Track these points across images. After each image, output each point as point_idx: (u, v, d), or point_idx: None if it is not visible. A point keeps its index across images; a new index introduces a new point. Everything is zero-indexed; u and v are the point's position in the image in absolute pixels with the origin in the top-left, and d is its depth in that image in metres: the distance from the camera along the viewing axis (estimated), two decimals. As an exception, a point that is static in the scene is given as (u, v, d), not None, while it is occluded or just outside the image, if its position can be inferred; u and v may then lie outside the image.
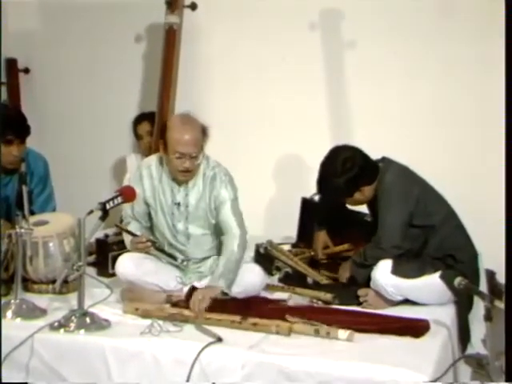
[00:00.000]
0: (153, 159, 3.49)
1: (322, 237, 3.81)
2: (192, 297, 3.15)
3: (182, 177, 3.34)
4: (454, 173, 4.21)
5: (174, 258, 3.40)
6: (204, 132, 3.31)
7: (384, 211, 3.34)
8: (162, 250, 3.40)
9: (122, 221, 3.62)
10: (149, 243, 3.32)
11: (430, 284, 3.18)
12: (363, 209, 3.82)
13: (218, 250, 3.49)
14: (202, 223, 3.43)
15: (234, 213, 3.36)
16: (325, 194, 3.53)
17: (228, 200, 3.36)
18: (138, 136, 4.78)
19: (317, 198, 4.04)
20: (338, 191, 3.38)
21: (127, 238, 3.44)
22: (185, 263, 3.42)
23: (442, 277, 3.15)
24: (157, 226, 3.47)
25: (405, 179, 3.35)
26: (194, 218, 3.41)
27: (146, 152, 4.48)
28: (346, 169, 3.31)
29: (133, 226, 3.45)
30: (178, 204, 3.40)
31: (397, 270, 3.18)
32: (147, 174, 3.43)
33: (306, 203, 4.12)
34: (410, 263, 3.24)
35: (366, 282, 3.29)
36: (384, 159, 3.43)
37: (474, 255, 3.34)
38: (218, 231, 3.48)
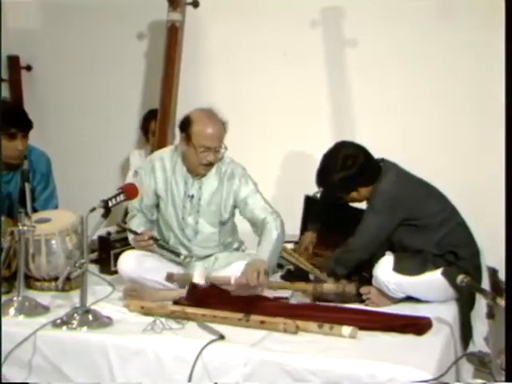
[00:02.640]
0: (165, 151, 3.53)
1: (309, 237, 3.79)
2: (245, 270, 3.14)
3: (203, 170, 3.36)
4: (454, 170, 4.21)
5: (176, 254, 3.40)
6: (224, 126, 3.34)
7: (366, 213, 3.36)
8: (164, 247, 3.41)
9: (126, 213, 3.63)
10: (151, 241, 3.32)
11: (432, 281, 3.18)
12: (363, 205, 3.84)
13: (223, 247, 3.50)
14: (213, 219, 3.44)
15: (265, 202, 3.41)
16: (321, 187, 3.50)
17: (253, 193, 3.41)
18: (149, 131, 4.75)
19: (319, 195, 4.04)
20: (334, 187, 3.38)
21: (131, 235, 3.45)
22: (187, 259, 3.42)
23: (444, 274, 3.15)
24: (165, 218, 3.47)
25: (399, 186, 3.30)
26: (205, 212, 3.42)
27: (154, 149, 4.46)
28: (345, 166, 3.30)
29: (137, 220, 3.46)
30: (191, 196, 3.41)
31: (398, 268, 3.19)
32: (160, 166, 3.45)
33: (309, 201, 4.11)
34: (411, 260, 3.23)
35: (368, 280, 3.30)
36: (383, 161, 3.41)
37: (475, 252, 3.34)
38: (226, 230, 3.50)
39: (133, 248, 3.54)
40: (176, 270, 3.43)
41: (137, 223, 3.45)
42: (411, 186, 3.35)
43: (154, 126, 4.65)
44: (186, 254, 3.45)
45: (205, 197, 3.41)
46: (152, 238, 3.34)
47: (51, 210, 3.82)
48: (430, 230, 3.29)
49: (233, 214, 3.52)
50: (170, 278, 3.27)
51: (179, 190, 3.42)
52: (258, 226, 3.39)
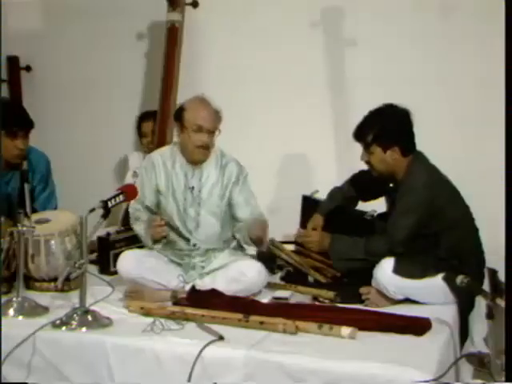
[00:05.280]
0: (164, 149, 3.60)
1: (318, 219, 3.69)
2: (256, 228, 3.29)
3: (199, 154, 3.41)
4: (454, 172, 4.20)
5: (186, 238, 3.42)
6: (218, 113, 3.41)
7: (400, 211, 3.28)
8: (174, 229, 3.40)
9: (127, 214, 3.65)
10: (165, 227, 3.34)
11: (432, 285, 3.16)
12: (364, 207, 3.83)
13: (223, 243, 3.52)
14: (214, 209, 3.46)
15: (255, 205, 3.49)
16: (360, 138, 3.37)
17: (241, 181, 3.47)
18: (141, 133, 4.77)
19: (317, 195, 4.03)
20: (375, 135, 3.30)
21: (139, 227, 3.47)
22: (197, 245, 3.43)
23: (446, 279, 3.13)
24: (166, 213, 3.48)
25: (431, 185, 3.27)
26: (206, 203, 3.45)
27: (148, 150, 4.48)
28: (391, 116, 3.33)
29: (143, 219, 3.46)
30: (192, 188, 3.44)
31: (399, 270, 3.17)
32: (160, 162, 3.50)
33: (307, 200, 4.11)
34: (413, 264, 3.20)
35: (368, 280, 3.29)
36: (420, 153, 3.39)
37: (481, 261, 3.30)
38: (226, 224, 3.51)
39: (132, 248, 3.56)
40: (176, 271, 3.43)
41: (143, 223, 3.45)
42: (438, 187, 3.29)
43: (147, 128, 4.66)
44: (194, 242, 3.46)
45: (205, 188, 3.45)
46: (165, 220, 3.36)
47: (50, 210, 3.83)
48: (442, 234, 3.25)
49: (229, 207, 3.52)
50: (174, 296, 3.27)
51: (179, 183, 3.46)
52: (241, 225, 3.46)
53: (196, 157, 3.42)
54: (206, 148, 3.39)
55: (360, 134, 3.38)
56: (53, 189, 3.96)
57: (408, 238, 3.25)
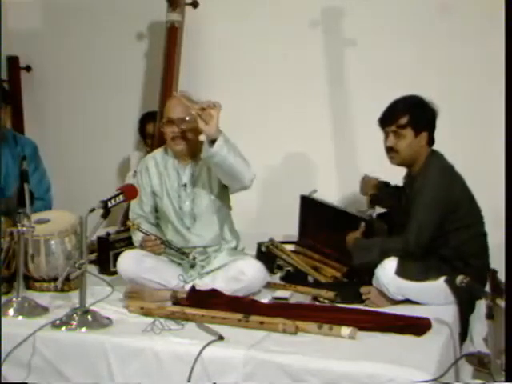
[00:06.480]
0: (157, 151, 3.61)
1: (372, 181, 3.75)
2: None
3: (174, 145, 3.42)
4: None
5: (184, 254, 3.42)
6: (187, 103, 3.38)
7: (420, 208, 3.23)
8: (171, 247, 3.42)
9: (127, 215, 3.67)
10: (158, 241, 3.36)
11: (433, 287, 3.16)
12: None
13: (221, 240, 3.50)
14: (208, 202, 3.45)
15: None
16: (391, 120, 3.33)
17: None
18: (147, 135, 4.75)
19: (315, 195, 4.03)
20: (419, 111, 3.32)
21: (136, 238, 3.48)
22: (196, 258, 3.44)
23: (448, 282, 3.12)
24: (162, 212, 3.50)
25: (449, 181, 3.26)
26: (200, 196, 3.45)
27: (152, 151, 4.47)
28: (430, 103, 3.35)
29: (142, 226, 3.47)
30: (185, 185, 3.45)
31: (401, 271, 3.16)
32: (153, 164, 3.53)
33: (305, 200, 4.11)
34: (415, 265, 3.19)
35: (367, 280, 3.29)
36: (436, 150, 3.38)
37: (486, 264, 3.28)
38: (222, 217, 3.50)
39: (132, 248, 3.56)
40: (176, 270, 3.44)
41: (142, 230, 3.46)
42: (454, 184, 3.28)
43: (151, 129, 4.65)
44: (191, 248, 3.45)
45: (197, 182, 3.45)
46: (158, 238, 3.39)
47: (45, 195, 3.95)
48: (452, 234, 3.24)
49: (225, 191, 3.49)
50: (174, 296, 3.27)
51: (172, 181, 3.48)
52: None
53: (173, 149, 3.45)
54: (180, 139, 3.39)
55: (393, 115, 3.33)
56: (43, 170, 4.03)
57: (430, 237, 3.21)
